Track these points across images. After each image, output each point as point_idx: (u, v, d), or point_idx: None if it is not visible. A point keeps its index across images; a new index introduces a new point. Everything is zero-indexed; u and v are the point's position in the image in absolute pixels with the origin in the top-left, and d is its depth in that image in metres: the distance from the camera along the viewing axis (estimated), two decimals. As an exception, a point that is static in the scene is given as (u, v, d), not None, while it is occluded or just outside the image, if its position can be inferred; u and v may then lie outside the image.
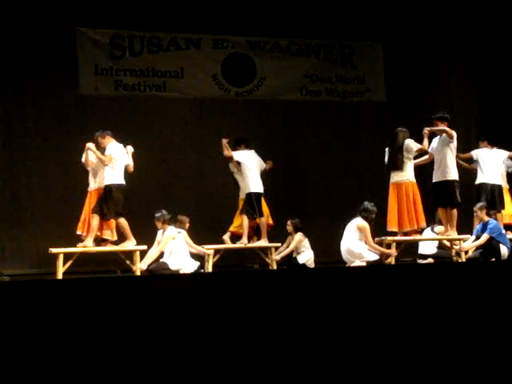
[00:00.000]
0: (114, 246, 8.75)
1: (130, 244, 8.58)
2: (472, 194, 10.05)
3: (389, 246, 9.07)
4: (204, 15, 11.15)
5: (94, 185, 8.81)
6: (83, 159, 8.79)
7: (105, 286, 4.59)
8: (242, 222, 9.48)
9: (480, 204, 9.43)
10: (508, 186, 10.37)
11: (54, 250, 8.32)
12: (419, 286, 4.48)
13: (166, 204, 9.57)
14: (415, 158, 9.33)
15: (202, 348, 3.68)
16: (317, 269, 9.31)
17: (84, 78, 10.85)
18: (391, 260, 8.96)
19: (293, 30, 11.63)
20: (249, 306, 4.04)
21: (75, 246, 8.51)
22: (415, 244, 9.78)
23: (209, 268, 9.15)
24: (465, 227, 9.63)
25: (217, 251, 9.29)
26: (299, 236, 9.61)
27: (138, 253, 8.56)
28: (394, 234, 9.24)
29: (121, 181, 8.59)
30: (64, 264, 8.24)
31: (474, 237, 9.38)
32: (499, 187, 9.96)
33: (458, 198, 9.06)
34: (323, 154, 11.79)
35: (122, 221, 8.57)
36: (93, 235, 8.46)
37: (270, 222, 9.78)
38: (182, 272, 8.85)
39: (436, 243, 9.75)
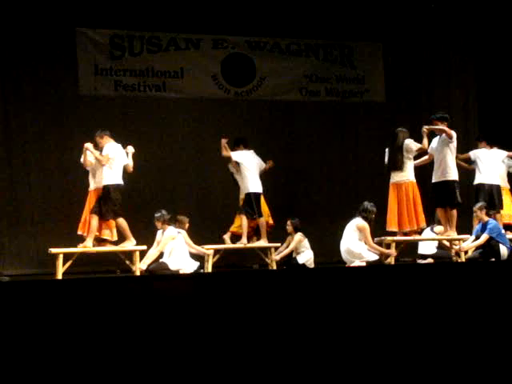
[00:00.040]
0: (114, 246, 8.75)
1: (130, 244, 8.58)
2: (471, 194, 10.06)
3: (388, 246, 9.07)
4: (204, 15, 11.15)
5: (93, 185, 8.82)
6: (82, 159, 8.79)
7: (104, 286, 4.58)
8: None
9: (479, 204, 9.43)
10: (509, 186, 10.36)
11: (53, 250, 8.31)
12: (419, 286, 4.48)
13: (166, 204, 9.58)
14: (415, 158, 9.33)
15: (202, 348, 3.68)
16: (316, 269, 9.30)
17: (83, 78, 10.84)
18: (391, 260, 8.96)
19: (292, 30, 11.62)
20: (249, 306, 4.04)
21: (75, 246, 8.51)
22: (415, 244, 9.78)
23: (208, 268, 9.15)
24: (464, 227, 9.64)
25: (216, 251, 9.28)
26: (299, 236, 9.61)
27: (137, 253, 8.55)
28: (393, 234, 9.24)
29: (119, 181, 8.58)
30: (64, 264, 8.23)
31: (473, 237, 9.37)
32: (497, 187, 9.95)
33: (458, 199, 9.06)
34: (323, 154, 11.79)
35: (121, 221, 8.57)
36: (92, 235, 8.45)
37: (271, 221, 9.78)
38: (181, 272, 8.85)
39: (436, 243, 9.75)
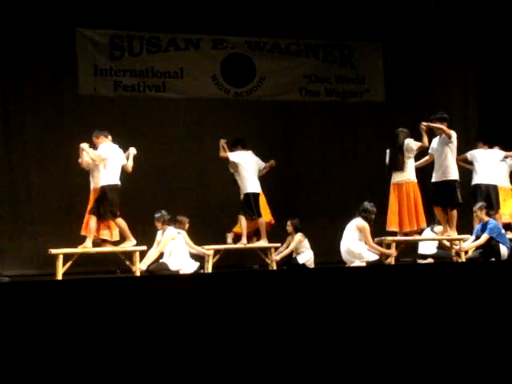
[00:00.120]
0: (114, 246, 8.75)
1: (130, 244, 8.56)
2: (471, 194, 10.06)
3: (389, 246, 9.07)
4: (203, 15, 11.15)
5: (92, 185, 8.82)
6: (80, 159, 8.79)
7: (104, 287, 4.58)
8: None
9: (479, 204, 9.43)
10: (510, 186, 10.36)
11: (53, 251, 8.31)
12: (419, 287, 4.48)
13: (166, 204, 9.57)
14: (417, 157, 9.33)
15: (202, 348, 3.68)
16: (317, 269, 9.30)
17: (83, 78, 10.85)
18: (391, 260, 8.96)
19: (292, 30, 11.63)
20: (249, 307, 4.04)
21: (75, 247, 8.50)
22: (415, 244, 9.79)
23: (209, 268, 9.15)
24: (464, 227, 9.63)
25: (216, 252, 9.28)
26: (299, 236, 9.61)
27: (137, 253, 8.55)
28: (393, 234, 9.24)
29: (115, 181, 8.55)
30: (64, 265, 8.23)
31: (473, 237, 9.37)
32: (494, 187, 9.95)
33: (458, 198, 9.07)
34: (323, 154, 11.80)
35: (120, 221, 8.55)
36: (91, 236, 8.44)
37: (272, 220, 9.78)
38: (181, 272, 8.85)
39: (436, 243, 9.75)
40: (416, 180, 9.20)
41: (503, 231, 9.39)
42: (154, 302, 4.00)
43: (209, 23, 11.21)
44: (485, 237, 9.15)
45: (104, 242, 8.75)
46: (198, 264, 9.07)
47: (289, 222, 9.70)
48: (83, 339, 3.65)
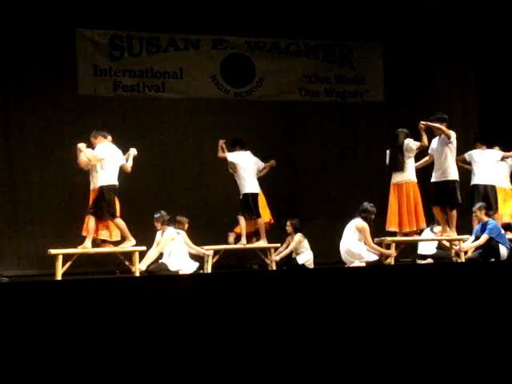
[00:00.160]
0: (114, 246, 8.74)
1: (129, 244, 8.55)
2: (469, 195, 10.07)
3: (388, 247, 9.07)
4: (203, 16, 11.15)
5: (91, 185, 8.81)
6: (78, 160, 8.79)
7: (104, 287, 4.58)
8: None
9: (479, 205, 9.43)
10: (511, 187, 10.36)
11: (53, 251, 8.30)
12: (419, 287, 4.48)
13: (165, 205, 9.57)
14: (417, 158, 9.33)
15: (202, 349, 3.68)
16: (316, 269, 9.29)
17: (83, 78, 10.85)
18: (391, 260, 8.95)
19: (292, 30, 11.63)
20: (248, 307, 4.04)
21: (74, 247, 8.50)
22: (415, 244, 9.78)
23: (208, 269, 9.15)
24: (464, 228, 9.63)
25: (216, 252, 9.29)
26: (299, 236, 9.61)
27: (137, 254, 8.53)
28: (393, 234, 9.24)
29: (112, 181, 8.51)
30: (63, 265, 8.22)
31: (473, 237, 9.37)
32: (492, 188, 9.95)
33: (458, 199, 9.07)
34: (322, 155, 11.80)
35: (119, 221, 8.53)
36: (91, 236, 8.43)
37: (271, 220, 9.78)
38: (181, 273, 8.84)
39: (435, 244, 9.74)
40: (416, 180, 9.20)
41: (503, 231, 9.39)
42: (153, 303, 4.00)
43: (208, 23, 11.21)
44: (484, 237, 9.15)
45: (103, 242, 8.74)
46: (197, 264, 9.07)
47: (288, 222, 9.70)
48: (83, 339, 3.65)
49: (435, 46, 12.18)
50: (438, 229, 9.59)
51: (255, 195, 9.44)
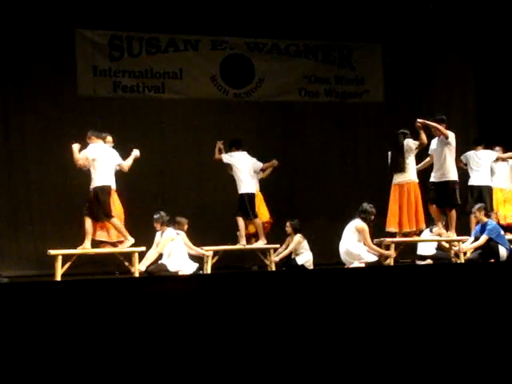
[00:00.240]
0: (113, 247, 8.73)
1: (128, 243, 8.54)
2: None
3: (388, 247, 9.07)
4: (202, 16, 11.15)
5: (91, 186, 8.80)
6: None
7: (103, 288, 4.58)
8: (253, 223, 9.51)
9: (478, 205, 9.43)
10: None
11: (52, 252, 8.31)
12: (418, 288, 4.48)
13: (165, 205, 9.57)
14: (418, 159, 9.34)
15: (202, 349, 3.68)
16: (316, 270, 9.30)
17: (82, 79, 10.85)
18: (390, 261, 8.96)
19: (291, 31, 11.62)
20: (248, 308, 4.04)
21: (74, 248, 8.50)
22: (414, 245, 9.79)
23: (208, 269, 9.14)
24: (464, 228, 9.64)
25: (215, 253, 9.28)
26: (298, 237, 9.61)
27: (136, 254, 8.53)
28: (392, 235, 9.24)
29: (105, 182, 8.49)
30: (63, 266, 8.22)
31: (472, 238, 9.38)
32: (487, 188, 9.97)
33: (457, 199, 9.08)
34: (322, 155, 11.79)
35: (115, 221, 8.51)
36: (89, 237, 8.43)
37: (271, 220, 9.79)
38: (180, 273, 8.84)
39: (435, 244, 9.75)
40: (417, 180, 9.21)
41: (502, 232, 9.40)
42: (153, 303, 4.00)
43: (208, 24, 11.21)
44: (484, 238, 9.15)
45: (103, 243, 8.74)
46: (197, 265, 9.07)
47: (288, 223, 9.70)
48: (82, 340, 3.65)
49: (435, 46, 12.17)
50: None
51: (251, 195, 9.42)
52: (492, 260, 9.05)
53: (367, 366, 3.68)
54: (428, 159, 9.44)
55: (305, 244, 9.66)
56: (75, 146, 8.58)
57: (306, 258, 9.60)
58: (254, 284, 4.61)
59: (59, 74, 10.65)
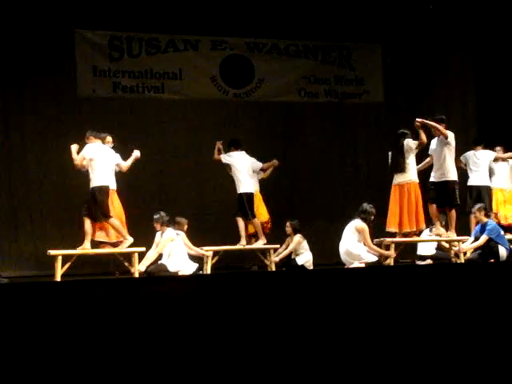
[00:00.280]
0: (113, 247, 8.73)
1: (127, 243, 8.53)
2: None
3: (388, 248, 9.07)
4: (202, 17, 11.15)
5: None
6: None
7: (103, 288, 4.58)
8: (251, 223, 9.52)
9: (478, 205, 9.44)
10: None
11: (52, 252, 8.30)
12: (418, 288, 4.48)
13: (165, 206, 9.56)
14: (418, 159, 9.34)
15: (202, 350, 3.68)
16: (315, 270, 9.30)
17: (82, 79, 10.85)
18: (390, 261, 8.96)
19: (291, 31, 11.62)
20: (248, 308, 4.04)
21: (74, 248, 8.49)
22: (414, 245, 9.78)
23: (208, 270, 9.14)
24: (464, 228, 9.64)
25: (215, 253, 9.28)
26: (298, 237, 9.61)
27: (136, 255, 8.52)
28: (392, 235, 9.24)
29: (102, 183, 8.47)
30: (62, 266, 8.22)
31: (472, 238, 9.38)
32: (486, 188, 9.98)
33: (457, 199, 9.09)
34: (322, 156, 11.79)
35: (113, 221, 8.49)
36: (88, 237, 8.41)
37: (268, 218, 9.79)
38: (180, 274, 8.84)
39: (435, 244, 9.74)
40: (418, 180, 9.21)
41: (502, 232, 9.40)
42: (152, 304, 4.00)
43: (208, 24, 11.21)
44: (484, 238, 9.15)
45: (102, 243, 8.73)
46: (196, 265, 9.06)
47: (288, 223, 9.70)
48: (82, 340, 3.65)
49: (435, 46, 12.17)
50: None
51: (250, 195, 9.42)
52: (492, 260, 9.05)
53: (367, 366, 3.68)
54: (428, 159, 9.45)
55: (305, 244, 9.65)
56: (73, 147, 8.59)
57: (305, 258, 9.59)
58: (254, 284, 4.61)
59: (59, 74, 10.65)
